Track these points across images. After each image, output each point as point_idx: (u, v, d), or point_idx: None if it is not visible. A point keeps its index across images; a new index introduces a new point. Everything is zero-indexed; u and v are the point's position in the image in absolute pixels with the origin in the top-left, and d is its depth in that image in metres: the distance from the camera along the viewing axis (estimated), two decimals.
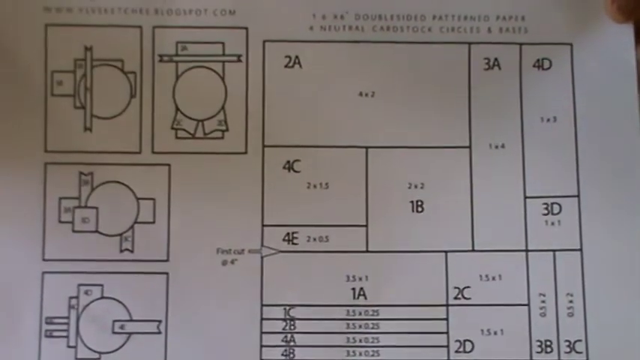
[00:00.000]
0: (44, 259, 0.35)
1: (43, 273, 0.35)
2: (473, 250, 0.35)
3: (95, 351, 0.35)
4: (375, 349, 0.35)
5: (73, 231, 0.35)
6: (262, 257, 0.35)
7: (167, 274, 0.35)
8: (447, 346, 0.35)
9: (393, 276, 0.35)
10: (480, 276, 0.35)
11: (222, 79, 0.36)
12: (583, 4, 0.37)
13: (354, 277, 0.35)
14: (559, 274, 0.35)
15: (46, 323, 0.35)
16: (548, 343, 0.35)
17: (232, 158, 0.36)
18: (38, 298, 0.35)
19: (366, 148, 0.36)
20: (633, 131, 0.36)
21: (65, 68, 0.36)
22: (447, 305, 0.35)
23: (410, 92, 0.36)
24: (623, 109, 0.36)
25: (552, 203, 0.36)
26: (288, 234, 0.35)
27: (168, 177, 0.35)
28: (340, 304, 0.35)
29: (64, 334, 0.35)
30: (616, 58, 0.36)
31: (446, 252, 0.35)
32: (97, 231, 0.35)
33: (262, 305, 0.35)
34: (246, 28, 0.36)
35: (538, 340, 0.35)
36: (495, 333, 0.35)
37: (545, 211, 0.36)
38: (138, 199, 0.35)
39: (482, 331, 0.35)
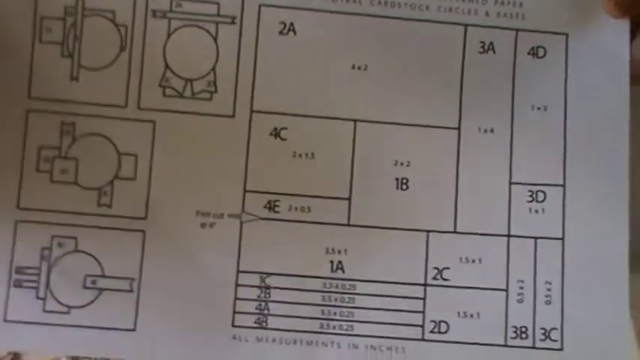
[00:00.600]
0: (19, 207, 0.34)
1: (17, 222, 0.34)
2: (455, 232, 0.35)
3: (64, 304, 0.34)
4: (350, 323, 0.35)
5: (51, 181, 0.34)
6: (242, 223, 0.35)
7: (144, 232, 0.34)
8: (422, 326, 0.35)
9: (373, 252, 0.35)
10: (460, 258, 0.35)
11: (215, 40, 0.36)
12: None
13: (333, 249, 0.35)
14: (539, 262, 0.35)
15: (16, 273, 0.34)
16: (523, 329, 0.35)
17: (219, 121, 0.35)
18: (10, 246, 0.34)
19: (355, 121, 0.36)
20: (622, 125, 0.36)
21: (55, 15, 0.35)
22: (425, 285, 0.35)
23: (403, 69, 0.36)
24: (613, 102, 0.36)
25: (537, 191, 0.36)
26: (269, 201, 0.35)
27: (153, 134, 0.35)
28: (317, 276, 0.35)
29: (34, 285, 0.34)
30: (610, 52, 0.36)
31: (427, 232, 0.35)
32: (75, 183, 0.34)
33: (238, 271, 0.34)
34: None
35: (514, 326, 0.35)
36: (472, 316, 0.35)
37: (530, 198, 0.35)
38: (120, 153, 0.35)
39: (458, 313, 0.35)
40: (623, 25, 0.36)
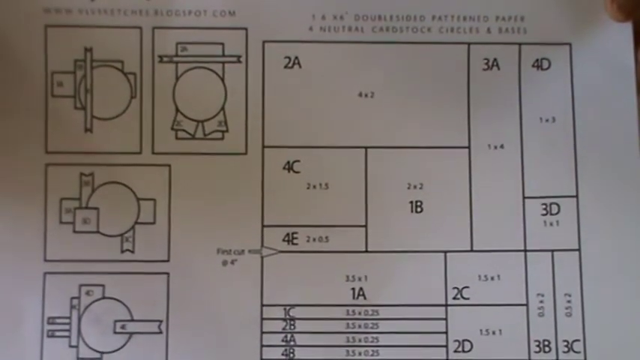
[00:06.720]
0: (46, 260, 0.35)
1: (45, 273, 0.35)
2: (472, 251, 0.36)
3: (97, 351, 0.35)
4: (375, 348, 0.35)
5: (74, 232, 0.35)
6: (262, 257, 0.35)
7: (168, 274, 0.35)
8: (446, 346, 0.35)
9: (393, 276, 0.35)
10: (479, 276, 0.36)
11: (222, 79, 0.36)
12: (582, 4, 0.37)
13: (353, 277, 0.36)
14: (557, 275, 0.35)
15: (48, 323, 0.35)
16: (546, 342, 0.35)
17: (232, 159, 0.36)
18: (40, 298, 0.35)
19: (366, 148, 0.36)
20: (631, 131, 0.36)
21: (65, 69, 0.36)
22: (446, 305, 0.35)
23: (409, 93, 0.36)
24: (621, 109, 0.36)
25: (551, 203, 0.36)
26: (287, 234, 0.36)
27: (169, 177, 0.36)
28: (340, 304, 0.35)
29: (66, 334, 0.35)
30: (615, 59, 0.36)
31: (445, 252, 0.36)
32: (97, 231, 0.35)
33: (262, 305, 0.35)
34: (246, 29, 0.36)
35: (536, 340, 0.35)
36: (494, 333, 0.35)
37: (544, 212, 0.36)
38: (138, 199, 0.35)
39: (480, 331, 0.35)
40: (627, 30, 0.37)
